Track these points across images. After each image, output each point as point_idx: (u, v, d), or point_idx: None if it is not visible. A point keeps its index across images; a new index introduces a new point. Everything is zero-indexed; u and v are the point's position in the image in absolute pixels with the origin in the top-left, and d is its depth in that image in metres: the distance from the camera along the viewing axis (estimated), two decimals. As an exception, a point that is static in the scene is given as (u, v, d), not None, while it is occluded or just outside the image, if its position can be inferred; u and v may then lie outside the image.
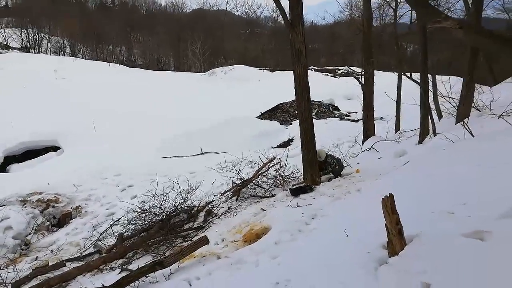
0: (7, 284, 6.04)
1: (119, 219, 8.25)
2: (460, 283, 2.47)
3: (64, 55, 46.92)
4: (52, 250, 8.03)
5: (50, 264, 6.89)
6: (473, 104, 8.54)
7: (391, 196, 3.11)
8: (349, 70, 32.99)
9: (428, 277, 2.57)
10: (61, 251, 7.90)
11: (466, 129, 5.85)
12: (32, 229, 8.75)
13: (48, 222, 9.24)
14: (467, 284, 2.44)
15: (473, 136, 5.74)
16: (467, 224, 3.13)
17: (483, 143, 4.88)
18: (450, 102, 9.46)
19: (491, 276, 2.44)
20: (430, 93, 10.07)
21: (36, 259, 7.65)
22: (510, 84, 13.31)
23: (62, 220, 9.40)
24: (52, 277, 5.97)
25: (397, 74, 13.39)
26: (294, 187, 7.50)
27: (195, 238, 6.54)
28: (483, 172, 3.93)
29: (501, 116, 6.36)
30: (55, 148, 16.97)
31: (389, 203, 3.10)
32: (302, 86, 7.76)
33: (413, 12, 13.05)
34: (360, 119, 18.02)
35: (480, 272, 2.49)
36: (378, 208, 4.15)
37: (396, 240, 3.10)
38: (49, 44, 50.93)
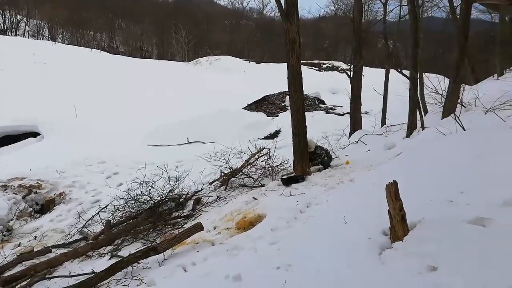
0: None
1: (106, 205, 8.09)
2: (466, 266, 2.53)
3: (42, 39, 45.38)
4: (36, 237, 7.83)
5: (35, 250, 6.72)
6: (458, 101, 8.72)
7: (395, 182, 3.15)
8: (334, 65, 33.28)
9: (434, 261, 2.62)
10: (45, 238, 7.72)
11: (457, 122, 5.97)
12: (14, 215, 8.51)
13: (31, 208, 9.00)
14: (472, 267, 2.50)
15: (464, 130, 5.87)
16: (467, 211, 3.20)
17: (477, 135, 5.00)
18: (435, 98, 9.65)
19: (495, 260, 2.50)
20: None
21: (19, 245, 7.45)
22: (489, 82, 13.73)
23: (45, 207, 9.16)
24: (39, 263, 5.83)
25: (384, 69, 13.54)
26: (286, 176, 7.51)
27: (186, 226, 6.50)
28: (479, 162, 4.03)
29: (491, 110, 6.53)
30: (35, 134, 16.46)
31: (393, 190, 3.14)
32: (295, 76, 7.80)
33: (402, 8, 13.25)
34: (346, 113, 18.21)
35: (484, 256, 2.55)
36: (373, 196, 4.23)
37: (399, 226, 3.15)
38: (26, 27, 49.17)
